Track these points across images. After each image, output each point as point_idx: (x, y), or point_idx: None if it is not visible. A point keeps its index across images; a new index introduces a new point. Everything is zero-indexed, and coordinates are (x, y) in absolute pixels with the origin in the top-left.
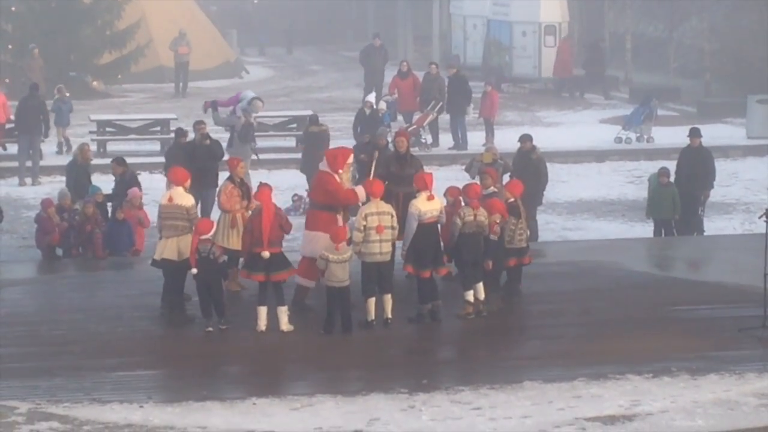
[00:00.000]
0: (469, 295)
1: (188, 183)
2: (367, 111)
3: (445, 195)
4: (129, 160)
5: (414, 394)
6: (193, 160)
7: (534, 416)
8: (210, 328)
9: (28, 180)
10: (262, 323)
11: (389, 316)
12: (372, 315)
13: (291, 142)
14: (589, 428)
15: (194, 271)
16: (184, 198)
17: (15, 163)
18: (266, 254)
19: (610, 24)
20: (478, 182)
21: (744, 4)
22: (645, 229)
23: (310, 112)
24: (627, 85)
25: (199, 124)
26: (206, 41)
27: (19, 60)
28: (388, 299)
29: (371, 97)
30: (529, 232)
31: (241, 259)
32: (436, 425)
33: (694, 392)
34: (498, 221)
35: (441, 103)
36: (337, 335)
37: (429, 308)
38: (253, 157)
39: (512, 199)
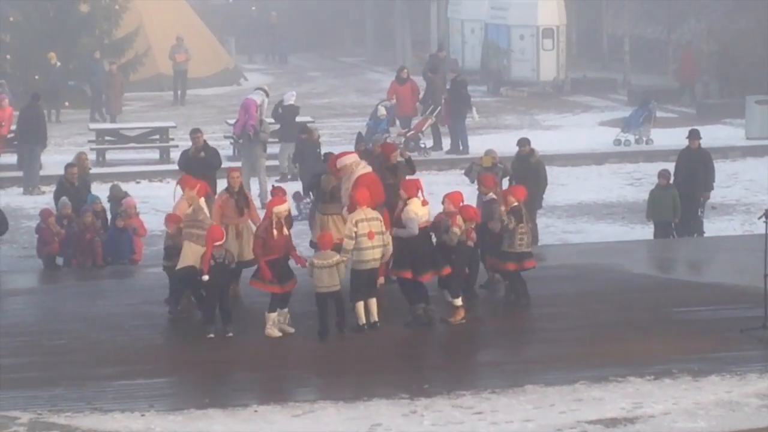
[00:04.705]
0: (459, 301)
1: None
2: (280, 109)
3: (443, 202)
4: (128, 168)
5: (415, 399)
6: (191, 169)
7: (536, 420)
8: (212, 335)
9: (30, 189)
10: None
11: (376, 319)
12: (363, 319)
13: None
14: (591, 431)
15: (206, 277)
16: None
17: (14, 173)
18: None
19: (607, 26)
20: (479, 186)
21: (742, 5)
22: (645, 231)
23: (309, 118)
24: (625, 87)
25: (195, 133)
26: (205, 49)
27: (18, 70)
28: (374, 303)
29: (382, 109)
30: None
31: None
32: (437, 430)
33: (696, 394)
34: (474, 227)
35: (439, 108)
36: (337, 341)
37: (422, 308)
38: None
39: (516, 204)
